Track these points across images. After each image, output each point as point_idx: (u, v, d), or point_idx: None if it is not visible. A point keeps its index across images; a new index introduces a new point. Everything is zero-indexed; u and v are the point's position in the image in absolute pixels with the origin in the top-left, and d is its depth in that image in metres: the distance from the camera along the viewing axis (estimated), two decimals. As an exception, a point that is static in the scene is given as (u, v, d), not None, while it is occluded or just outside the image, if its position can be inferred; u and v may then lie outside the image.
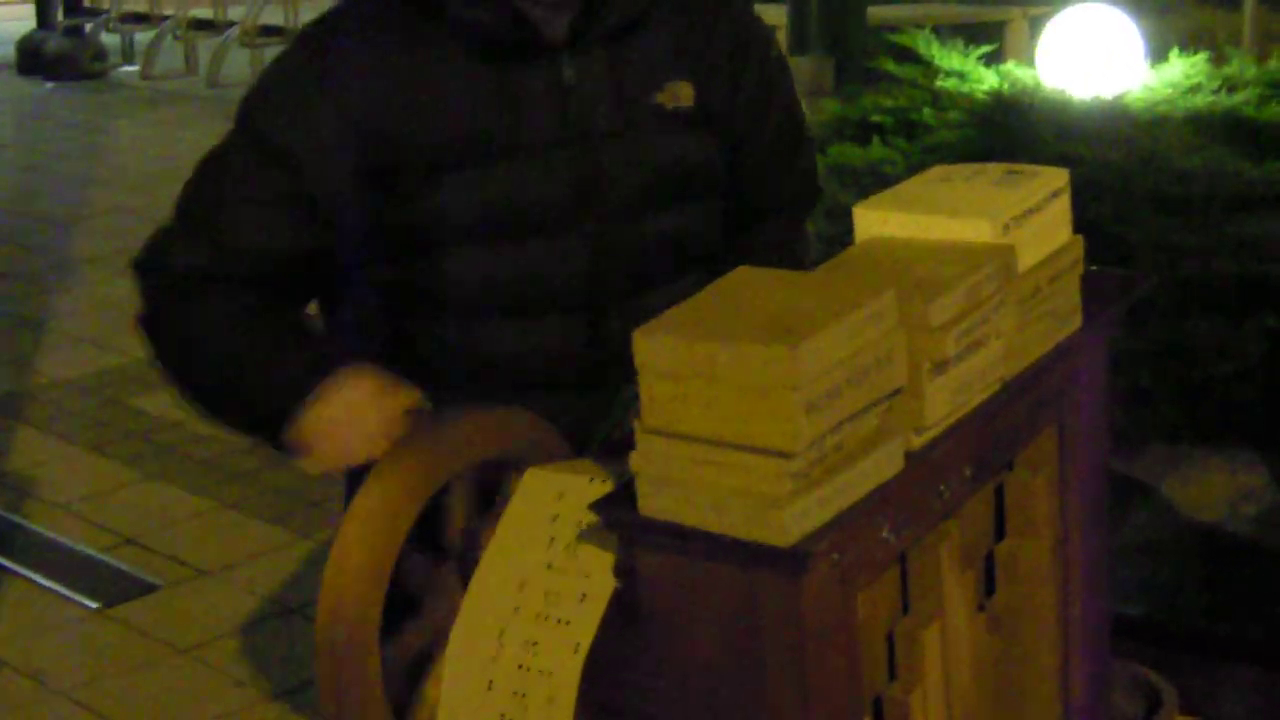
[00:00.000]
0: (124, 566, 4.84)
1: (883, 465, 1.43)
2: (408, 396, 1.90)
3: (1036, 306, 1.65)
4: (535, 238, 2.09)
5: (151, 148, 10.83)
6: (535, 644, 1.53)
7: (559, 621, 1.53)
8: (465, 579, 1.65)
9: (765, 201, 2.35)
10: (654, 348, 1.37)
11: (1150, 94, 5.30)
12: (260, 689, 4.20)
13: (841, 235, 4.32)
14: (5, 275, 7.72)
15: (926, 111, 5.43)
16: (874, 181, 4.94)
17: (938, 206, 1.63)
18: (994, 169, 1.73)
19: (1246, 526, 4.08)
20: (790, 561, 1.35)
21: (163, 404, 6.00)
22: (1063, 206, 1.70)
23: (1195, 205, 4.60)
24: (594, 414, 2.09)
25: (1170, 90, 5.37)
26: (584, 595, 1.52)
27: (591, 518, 1.55)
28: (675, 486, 1.38)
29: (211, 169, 2.12)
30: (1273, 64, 5.66)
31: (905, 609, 1.56)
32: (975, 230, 1.58)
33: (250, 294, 2.05)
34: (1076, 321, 1.72)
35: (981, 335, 1.55)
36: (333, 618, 1.60)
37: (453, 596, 1.66)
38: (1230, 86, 5.39)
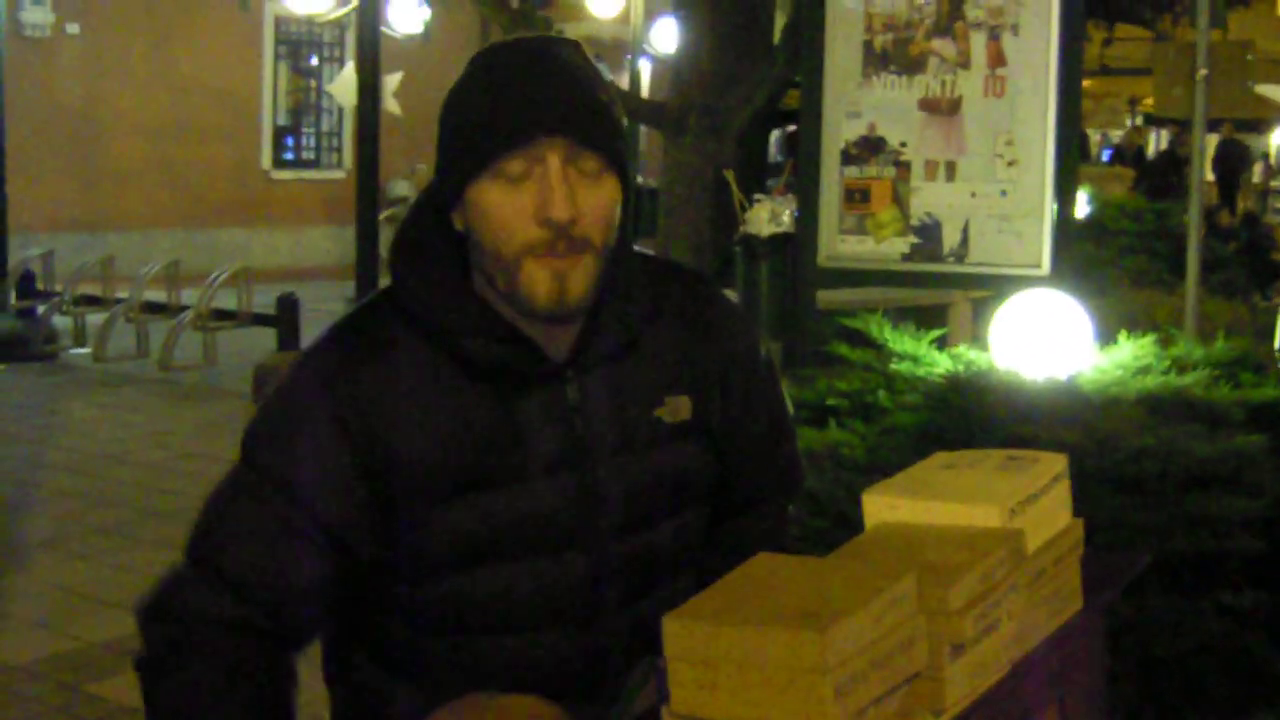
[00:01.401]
0: None
1: (905, 753, 1.48)
2: None
3: (1041, 589, 1.70)
4: (537, 555, 2.12)
5: (103, 430, 10.85)
6: None
7: None
8: None
9: (750, 493, 2.39)
10: (683, 633, 1.41)
11: (1101, 375, 5.44)
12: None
13: (804, 518, 4.39)
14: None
15: (882, 394, 5.53)
16: (833, 464, 5.06)
17: (945, 493, 1.69)
18: (995, 455, 1.80)
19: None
20: None
21: (119, 689, 5.95)
22: (1063, 491, 1.77)
23: (1150, 484, 4.71)
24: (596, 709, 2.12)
25: (1121, 371, 5.52)
26: None
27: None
28: None
29: (219, 507, 2.11)
30: (1218, 346, 5.87)
31: None
32: (984, 516, 1.64)
33: (258, 651, 2.06)
34: (1078, 603, 1.78)
35: (995, 619, 1.60)
36: None
37: None
38: (1180, 367, 5.55)
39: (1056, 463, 1.78)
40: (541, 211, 2.02)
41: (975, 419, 5.14)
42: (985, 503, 1.66)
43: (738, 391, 2.31)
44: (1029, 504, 1.70)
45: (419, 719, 1.98)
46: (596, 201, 2.06)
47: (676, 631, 1.42)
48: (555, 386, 2.14)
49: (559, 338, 2.14)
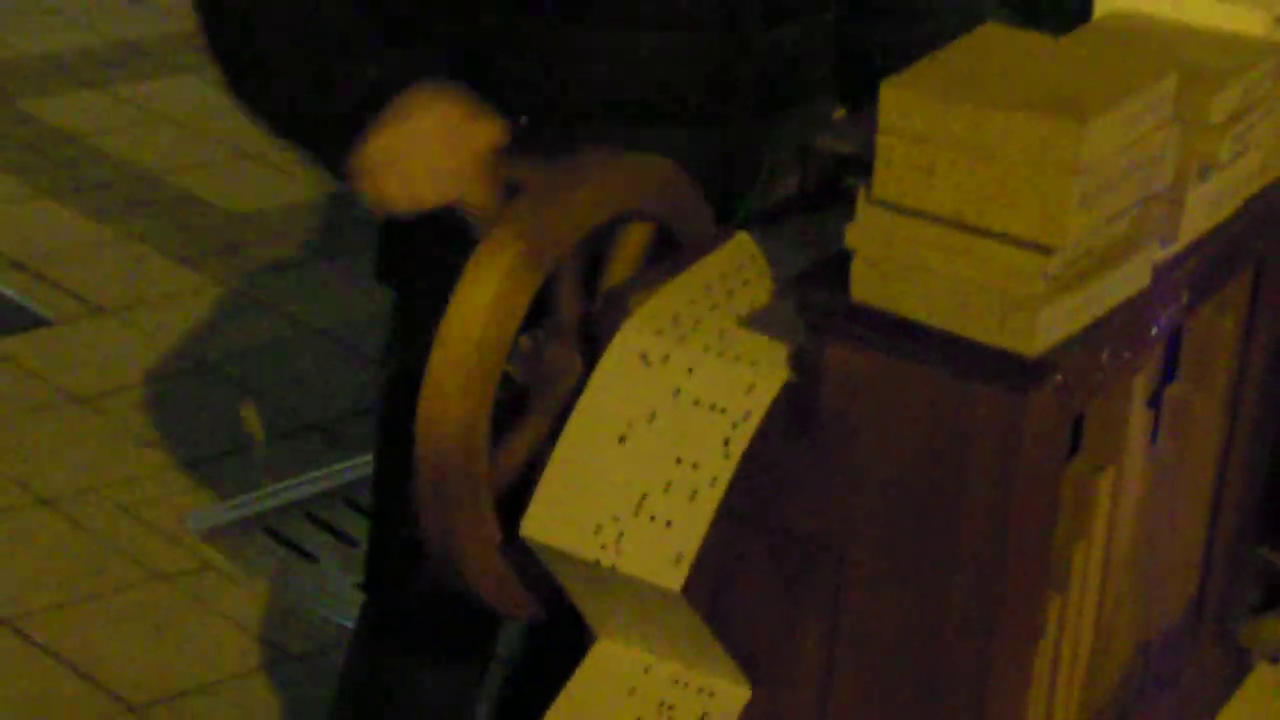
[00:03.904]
0: (11, 294, 4.76)
1: (1131, 278, 1.41)
2: (492, 130, 1.82)
3: (1281, 115, 1.63)
4: None
5: None
6: (683, 433, 1.49)
7: (712, 408, 1.49)
8: (588, 359, 1.60)
9: None
10: (906, 103, 1.32)
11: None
12: (171, 453, 4.16)
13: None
14: None
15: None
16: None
17: (1199, -17, 1.60)
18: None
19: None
20: (1027, 375, 1.33)
21: (57, 110, 5.88)
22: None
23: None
24: (717, 159, 2.04)
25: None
26: (751, 386, 1.48)
27: (765, 297, 1.52)
28: (901, 273, 1.35)
29: None
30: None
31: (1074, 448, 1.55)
32: (1247, 22, 1.56)
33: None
34: (1317, 144, 1.71)
35: (1246, 143, 1.53)
36: (438, 419, 1.54)
37: (566, 384, 1.62)
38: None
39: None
40: None
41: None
42: (1251, 6, 1.57)
43: None
44: (1297, 13, 1.60)
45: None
46: None
47: (897, 99, 1.33)
48: None
49: None
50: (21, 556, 3.78)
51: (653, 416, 1.50)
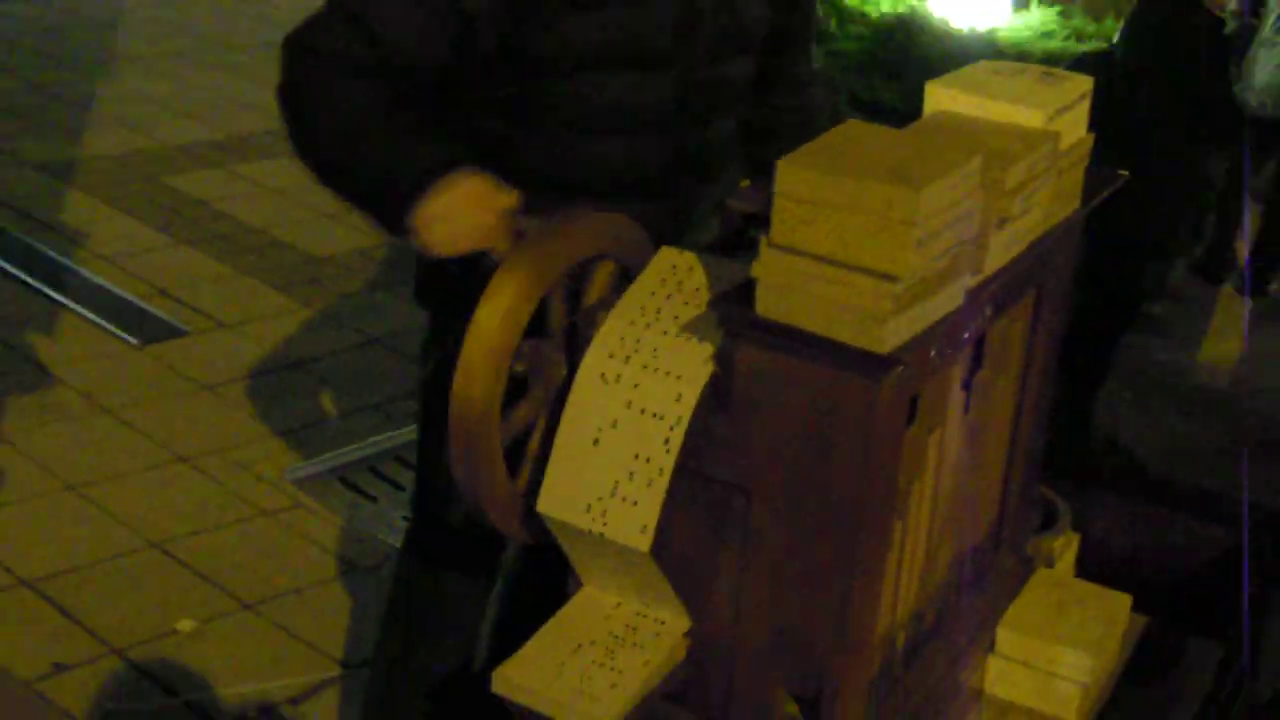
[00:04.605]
0: (158, 313, 4.74)
1: (952, 298, 1.39)
2: (509, 198, 1.81)
3: (1060, 185, 1.62)
4: (639, 70, 2.00)
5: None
6: (637, 435, 1.46)
7: (655, 416, 1.46)
8: (570, 360, 1.58)
9: (782, 37, 2.27)
10: (794, 175, 1.30)
11: (1015, 33, 5.34)
12: (273, 425, 4.15)
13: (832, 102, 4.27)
14: (60, 64, 7.39)
15: (833, 22, 5.41)
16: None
17: (998, 93, 1.58)
18: (1033, 69, 1.69)
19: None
20: (880, 367, 1.31)
21: (191, 184, 5.87)
22: (1085, 108, 1.67)
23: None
24: (667, 220, 2.00)
25: (1030, 32, 5.42)
26: (679, 395, 1.45)
27: (699, 310, 1.50)
28: (791, 295, 1.32)
29: None
30: (1108, 23, 5.72)
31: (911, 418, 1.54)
32: (1030, 117, 1.54)
33: (389, 88, 1.92)
34: (1076, 203, 1.70)
35: (1031, 203, 1.52)
36: (466, 396, 1.51)
37: (555, 375, 1.59)
38: (1077, 37, 5.46)
39: (1084, 83, 1.67)
40: None
41: (910, 54, 5.05)
42: (1032, 106, 1.56)
43: None
44: (1063, 113, 1.60)
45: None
46: None
47: (788, 173, 1.31)
48: None
49: None
50: (166, 498, 3.75)
51: (615, 424, 1.47)
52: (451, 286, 1.90)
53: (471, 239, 1.80)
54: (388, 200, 1.86)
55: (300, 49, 1.95)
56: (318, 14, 1.96)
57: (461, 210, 1.81)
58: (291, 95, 1.96)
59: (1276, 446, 5.03)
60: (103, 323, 4.61)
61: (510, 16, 1.93)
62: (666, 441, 1.45)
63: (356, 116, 1.90)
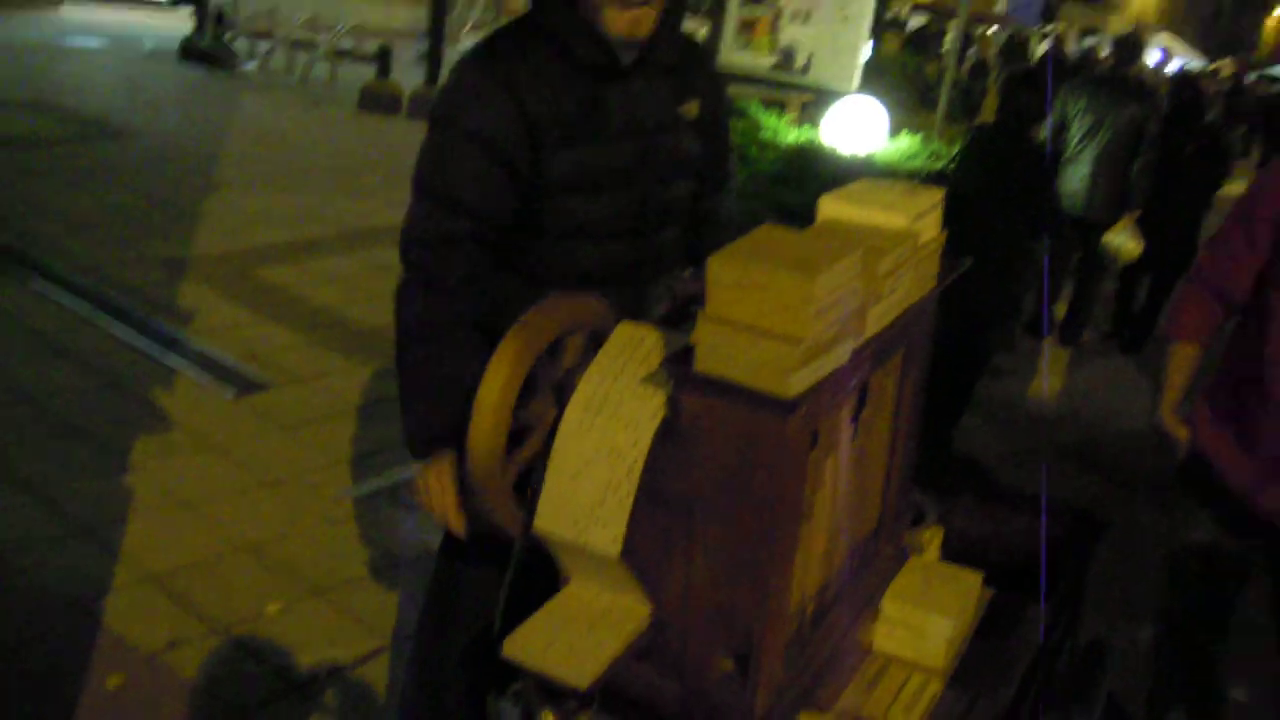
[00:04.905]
0: (248, 372, 4.70)
1: (841, 356, 1.39)
2: (449, 493, 1.92)
3: (919, 271, 1.62)
4: (610, 191, 2.00)
5: (264, 116, 10.48)
6: (607, 470, 1.45)
7: (618, 455, 1.45)
8: (558, 407, 1.57)
9: (713, 171, 2.27)
10: (722, 267, 1.31)
11: (887, 155, 5.38)
12: (337, 456, 4.12)
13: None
14: (175, 185, 7.38)
15: (753, 149, 5.44)
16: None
17: (874, 202, 1.58)
18: (899, 185, 1.68)
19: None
20: (788, 408, 1.30)
21: (274, 275, 5.84)
22: (939, 212, 1.67)
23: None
24: (631, 300, 2.02)
25: (899, 155, 5.45)
26: (636, 441, 1.44)
27: (652, 368, 1.50)
28: (722, 354, 1.31)
29: (435, 158, 1.93)
30: (957, 145, 5.76)
31: (813, 445, 1.54)
32: (897, 220, 1.54)
33: (490, 256, 1.92)
34: (933, 283, 1.70)
35: (896, 284, 1.52)
36: (478, 445, 1.50)
37: (546, 421, 1.58)
38: (935, 156, 5.49)
39: (937, 194, 1.67)
40: None
41: (811, 173, 5.07)
42: (899, 212, 1.56)
43: (715, 109, 2.20)
44: (922, 216, 1.60)
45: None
46: None
47: (719, 265, 1.31)
48: (626, 82, 2.00)
49: (629, 54, 1.99)
50: (255, 513, 3.70)
51: (590, 462, 1.46)
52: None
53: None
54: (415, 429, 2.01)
55: (412, 252, 1.93)
56: (411, 206, 1.94)
57: (430, 489, 1.95)
58: (407, 293, 1.95)
59: (1086, 456, 5.05)
60: (206, 380, 4.57)
61: (530, 148, 1.93)
62: (629, 473, 1.44)
63: (427, 336, 1.92)
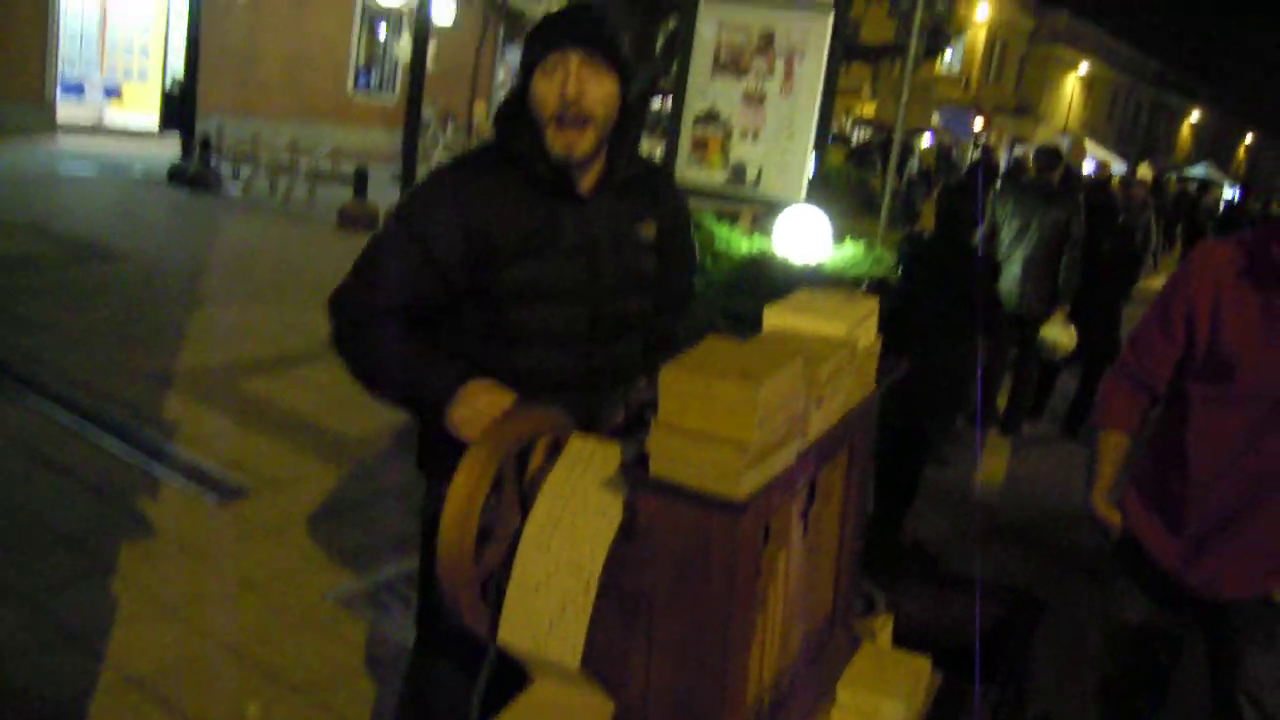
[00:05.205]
0: (231, 479, 4.65)
1: (787, 457, 1.41)
2: (508, 397, 1.86)
3: (858, 374, 1.66)
4: (561, 303, 2.03)
5: (247, 235, 10.51)
6: (569, 579, 1.46)
7: (579, 565, 1.46)
8: (522, 512, 1.58)
9: (671, 294, 2.29)
10: (673, 378, 1.33)
11: (835, 263, 5.46)
12: (317, 559, 4.06)
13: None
14: (156, 302, 7.36)
15: (709, 259, 5.50)
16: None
17: (814, 311, 1.61)
18: (839, 294, 1.72)
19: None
20: (739, 509, 1.32)
21: (256, 385, 5.81)
22: (875, 318, 1.71)
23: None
24: (587, 408, 2.04)
25: (845, 262, 5.54)
26: (593, 551, 1.46)
27: (610, 472, 1.51)
28: (676, 458, 1.33)
29: (377, 247, 2.02)
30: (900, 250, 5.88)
31: (765, 541, 1.55)
32: (836, 328, 1.58)
33: (401, 324, 1.95)
34: (872, 385, 1.73)
35: (837, 388, 1.54)
36: (447, 546, 1.51)
37: (511, 525, 1.59)
38: (878, 262, 5.59)
39: (873, 302, 1.71)
40: (560, 89, 1.93)
41: (763, 281, 5.13)
42: (838, 320, 1.60)
43: (674, 231, 2.23)
44: (860, 324, 1.63)
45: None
46: (599, 89, 1.96)
47: (670, 377, 1.34)
48: (580, 203, 2.04)
49: (586, 174, 2.04)
50: (238, 616, 3.63)
51: (550, 576, 1.47)
52: (439, 459, 1.91)
53: (482, 426, 1.81)
54: (424, 409, 1.91)
55: (336, 307, 2.00)
56: (345, 279, 2.02)
57: (480, 407, 1.84)
58: (338, 342, 2.00)
59: (1029, 537, 5.07)
60: (189, 488, 4.52)
61: (472, 264, 1.98)
62: (586, 587, 1.45)
63: (382, 352, 1.93)
